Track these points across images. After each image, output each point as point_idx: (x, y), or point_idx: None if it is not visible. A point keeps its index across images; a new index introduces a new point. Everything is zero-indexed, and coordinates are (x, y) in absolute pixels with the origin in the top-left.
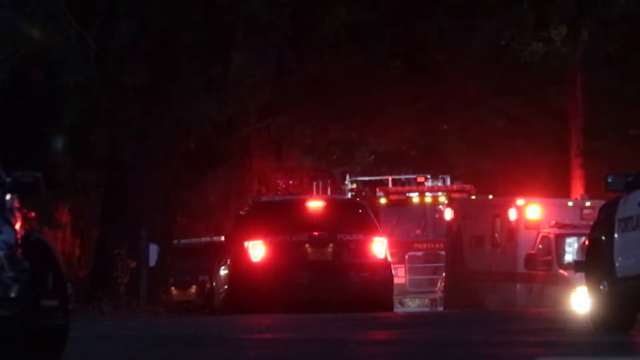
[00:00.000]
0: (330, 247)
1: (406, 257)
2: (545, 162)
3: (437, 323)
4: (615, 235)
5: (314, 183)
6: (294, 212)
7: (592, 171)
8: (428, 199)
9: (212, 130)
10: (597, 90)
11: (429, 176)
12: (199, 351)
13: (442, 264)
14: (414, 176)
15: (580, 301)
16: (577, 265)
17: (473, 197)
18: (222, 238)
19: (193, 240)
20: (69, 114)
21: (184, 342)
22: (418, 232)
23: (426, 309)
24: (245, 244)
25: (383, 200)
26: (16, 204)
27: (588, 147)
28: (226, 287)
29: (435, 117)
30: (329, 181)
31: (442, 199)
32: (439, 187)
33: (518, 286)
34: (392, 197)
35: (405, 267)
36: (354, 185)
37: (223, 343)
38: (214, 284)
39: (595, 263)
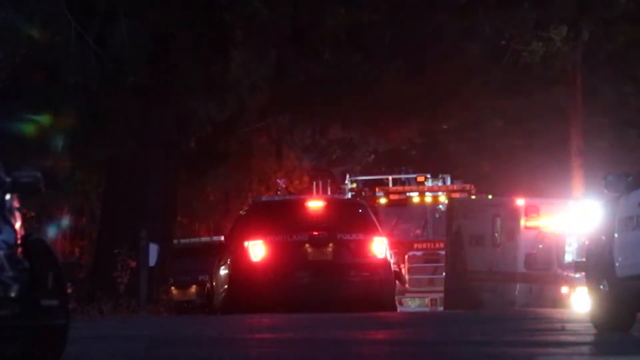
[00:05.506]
0: (330, 247)
1: (406, 257)
2: (545, 161)
3: (437, 323)
4: (615, 235)
5: (314, 183)
6: (294, 212)
7: (592, 171)
8: (428, 198)
9: (212, 130)
10: (597, 90)
11: (429, 176)
12: (199, 351)
13: (441, 264)
14: (414, 176)
15: (580, 301)
16: (577, 265)
17: (473, 197)
18: (222, 238)
19: (193, 240)
20: (69, 114)
21: (184, 342)
22: (418, 232)
23: (426, 309)
24: (245, 243)
25: (383, 200)
26: (16, 204)
27: (588, 147)
28: (226, 287)
29: (435, 117)
30: (329, 181)
31: (442, 198)
32: (439, 187)
33: (518, 286)
34: (392, 196)
35: (405, 267)
36: (354, 185)
37: (223, 343)
38: (214, 284)
39: (595, 263)
